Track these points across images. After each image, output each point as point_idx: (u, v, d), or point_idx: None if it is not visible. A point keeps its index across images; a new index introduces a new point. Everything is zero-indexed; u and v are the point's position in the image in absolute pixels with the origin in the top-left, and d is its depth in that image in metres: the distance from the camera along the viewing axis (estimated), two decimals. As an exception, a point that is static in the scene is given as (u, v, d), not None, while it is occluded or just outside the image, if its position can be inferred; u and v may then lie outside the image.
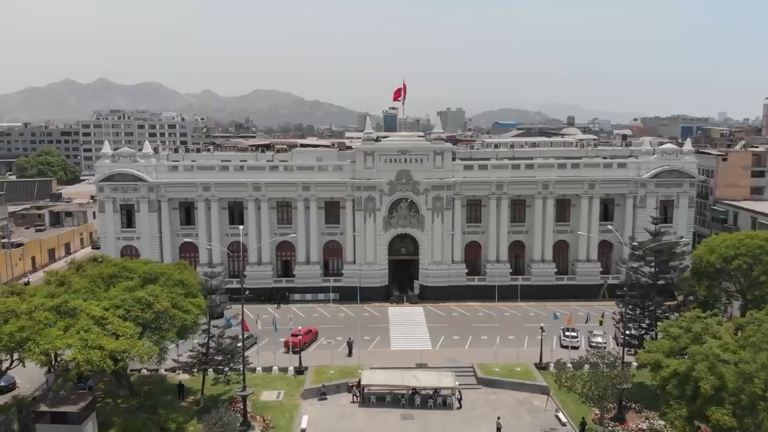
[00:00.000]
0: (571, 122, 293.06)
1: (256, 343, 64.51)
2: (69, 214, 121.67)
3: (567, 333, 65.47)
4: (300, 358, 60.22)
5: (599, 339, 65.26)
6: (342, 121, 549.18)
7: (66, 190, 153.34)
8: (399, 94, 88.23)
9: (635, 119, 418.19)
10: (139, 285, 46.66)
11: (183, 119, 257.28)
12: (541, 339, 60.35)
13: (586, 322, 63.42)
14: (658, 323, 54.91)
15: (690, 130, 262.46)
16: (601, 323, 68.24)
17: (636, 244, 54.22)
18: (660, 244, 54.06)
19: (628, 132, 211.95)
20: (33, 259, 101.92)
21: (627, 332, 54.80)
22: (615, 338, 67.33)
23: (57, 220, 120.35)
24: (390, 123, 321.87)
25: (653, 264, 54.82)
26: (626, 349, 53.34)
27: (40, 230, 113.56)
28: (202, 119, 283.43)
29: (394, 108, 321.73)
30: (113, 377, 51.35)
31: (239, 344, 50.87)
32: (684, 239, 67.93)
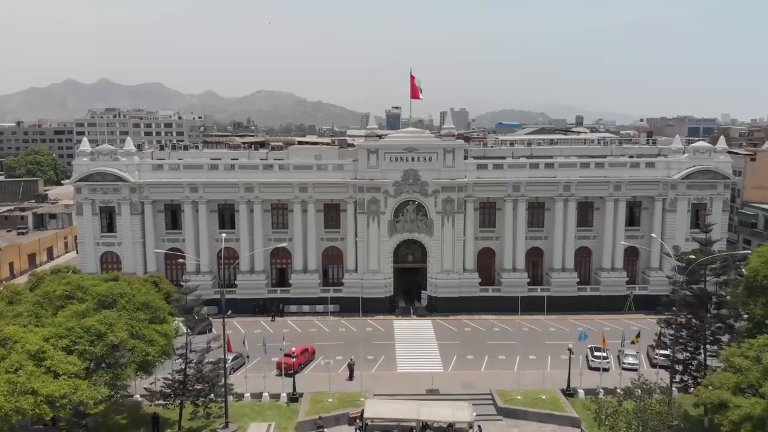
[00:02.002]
0: (579, 122, 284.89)
1: (245, 363, 57.45)
2: (53, 216, 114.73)
3: (596, 353, 58.06)
4: (294, 382, 52.98)
5: (631, 360, 58.04)
6: (344, 122, 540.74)
7: (53, 191, 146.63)
8: (416, 91, 79.74)
9: (641, 120, 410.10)
10: (93, 309, 38.85)
11: (180, 118, 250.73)
12: (569, 361, 53.20)
13: (622, 345, 56.14)
14: (708, 346, 47.86)
15: (697, 130, 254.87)
16: (633, 342, 61.14)
17: (693, 256, 46.55)
18: (713, 256, 46.59)
19: (634, 133, 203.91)
20: (11, 265, 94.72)
21: (672, 356, 47.52)
22: (648, 358, 60.34)
23: (41, 222, 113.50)
24: (393, 123, 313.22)
25: (702, 278, 47.36)
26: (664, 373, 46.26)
27: (22, 233, 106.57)
28: (200, 118, 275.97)
29: (397, 107, 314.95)
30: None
31: (221, 371, 43.69)
32: (746, 250, 60.42)
